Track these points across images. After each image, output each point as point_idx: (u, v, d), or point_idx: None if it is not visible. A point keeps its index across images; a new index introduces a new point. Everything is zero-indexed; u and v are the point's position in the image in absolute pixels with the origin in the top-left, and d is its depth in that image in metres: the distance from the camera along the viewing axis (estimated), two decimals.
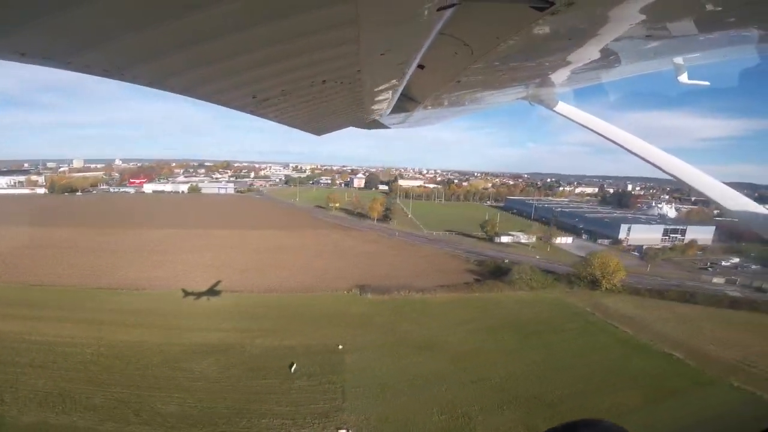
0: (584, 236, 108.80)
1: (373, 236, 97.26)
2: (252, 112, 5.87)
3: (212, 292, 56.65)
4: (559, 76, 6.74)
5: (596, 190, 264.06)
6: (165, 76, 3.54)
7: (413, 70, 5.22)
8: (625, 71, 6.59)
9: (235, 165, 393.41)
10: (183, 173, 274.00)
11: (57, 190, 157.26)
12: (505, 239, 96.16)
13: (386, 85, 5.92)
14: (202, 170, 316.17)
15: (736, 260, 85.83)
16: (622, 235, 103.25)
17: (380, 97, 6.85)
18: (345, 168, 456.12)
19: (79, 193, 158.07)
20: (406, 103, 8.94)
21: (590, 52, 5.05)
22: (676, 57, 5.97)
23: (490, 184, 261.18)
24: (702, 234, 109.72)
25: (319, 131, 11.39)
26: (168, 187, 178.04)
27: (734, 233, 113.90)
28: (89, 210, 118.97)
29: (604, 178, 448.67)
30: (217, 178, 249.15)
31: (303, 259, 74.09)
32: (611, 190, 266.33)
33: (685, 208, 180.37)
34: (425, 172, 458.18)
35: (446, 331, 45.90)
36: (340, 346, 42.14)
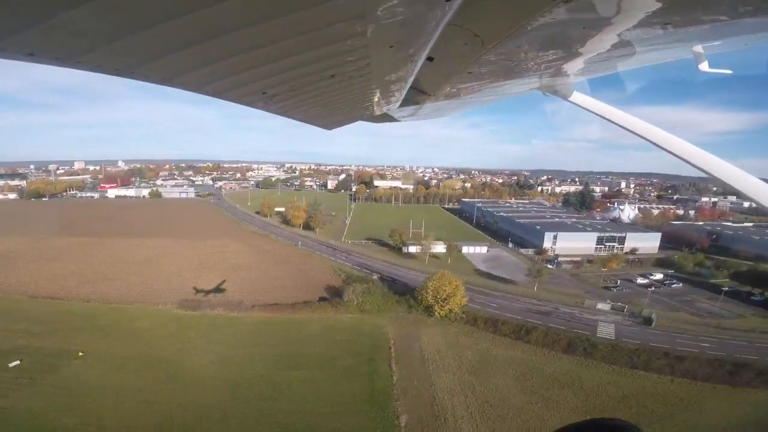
0: (510, 244, 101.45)
1: (272, 246, 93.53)
2: (263, 108, 5.95)
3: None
4: (574, 66, 6.67)
5: (581, 188, 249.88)
6: (176, 74, 3.56)
7: (422, 63, 5.21)
8: (643, 60, 6.49)
9: (226, 166, 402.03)
10: (167, 176, 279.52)
11: (26, 196, 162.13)
12: (412, 249, 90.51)
13: (395, 78, 5.96)
14: (189, 172, 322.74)
15: (659, 276, 76.76)
16: (546, 244, 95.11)
17: (390, 90, 6.96)
18: (343, 168, 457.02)
19: (45, 199, 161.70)
20: (416, 95, 8.96)
21: (606, 40, 4.97)
22: (696, 45, 5.82)
23: (466, 184, 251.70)
24: (646, 241, 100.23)
25: (328, 126, 11.11)
26: (131, 192, 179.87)
27: (683, 240, 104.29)
28: (24, 217, 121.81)
29: (610, 174, 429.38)
30: (192, 182, 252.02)
31: (153, 271, 72.01)
32: (597, 189, 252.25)
33: (659, 209, 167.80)
34: (421, 170, 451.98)
35: (197, 352, 44.32)
36: (81, 353, 43.39)
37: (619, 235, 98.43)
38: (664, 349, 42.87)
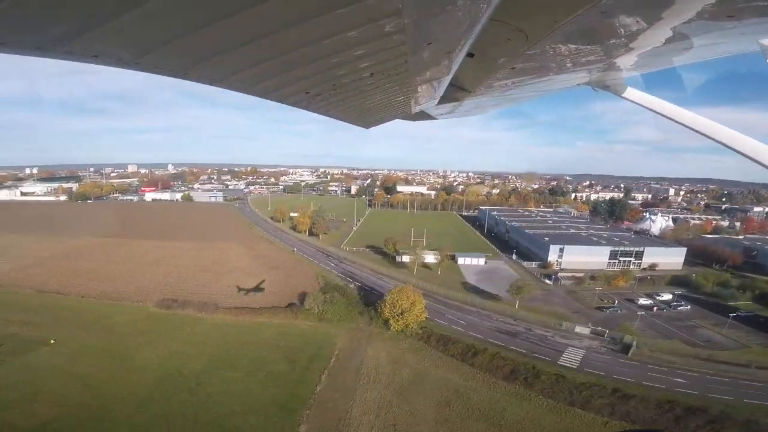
0: (514, 256, 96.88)
1: (271, 251, 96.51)
2: (305, 108, 6.24)
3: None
4: (627, 60, 6.39)
5: (621, 195, 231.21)
6: (225, 75, 3.82)
7: (462, 59, 5.20)
8: (702, 54, 6.15)
9: (263, 170, 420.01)
10: (205, 180, 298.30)
11: (73, 198, 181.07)
12: (405, 259, 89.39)
13: (434, 75, 5.94)
14: (227, 176, 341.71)
15: (668, 296, 69.62)
16: (551, 257, 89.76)
17: (428, 88, 6.92)
18: (376, 171, 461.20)
19: (90, 201, 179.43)
20: (454, 92, 8.92)
21: (661, 34, 4.76)
22: (764, 38, 5.44)
23: (494, 190, 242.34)
24: (670, 257, 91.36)
25: (367, 125, 11.61)
26: (166, 196, 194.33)
27: (714, 256, 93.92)
28: (60, 217, 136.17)
29: (662, 179, 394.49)
30: (226, 186, 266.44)
31: (158, 271, 77.15)
32: (640, 196, 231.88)
33: (701, 219, 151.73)
34: (454, 174, 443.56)
35: (151, 346, 47.78)
36: (53, 341, 48.30)
37: (637, 249, 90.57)
38: (619, 385, 38.84)
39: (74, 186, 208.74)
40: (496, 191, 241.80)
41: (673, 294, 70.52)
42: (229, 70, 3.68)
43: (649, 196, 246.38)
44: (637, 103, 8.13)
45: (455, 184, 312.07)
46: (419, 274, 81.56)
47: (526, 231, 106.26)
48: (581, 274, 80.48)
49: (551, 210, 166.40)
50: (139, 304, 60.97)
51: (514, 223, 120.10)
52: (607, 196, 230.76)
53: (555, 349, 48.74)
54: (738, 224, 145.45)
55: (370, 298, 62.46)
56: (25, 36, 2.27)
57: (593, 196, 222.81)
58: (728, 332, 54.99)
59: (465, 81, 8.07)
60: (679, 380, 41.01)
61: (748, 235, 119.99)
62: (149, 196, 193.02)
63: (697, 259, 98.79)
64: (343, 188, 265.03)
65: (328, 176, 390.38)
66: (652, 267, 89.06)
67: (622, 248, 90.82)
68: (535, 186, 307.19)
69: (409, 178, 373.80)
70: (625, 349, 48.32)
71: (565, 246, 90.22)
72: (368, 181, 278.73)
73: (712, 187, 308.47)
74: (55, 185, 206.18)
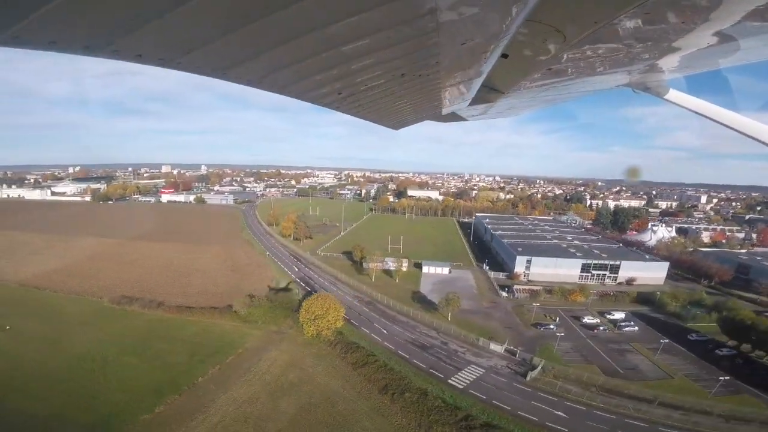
0: (485, 266, 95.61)
1: (244, 254, 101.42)
2: (337, 109, 6.34)
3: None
4: (670, 62, 6.29)
5: (643, 203, 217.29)
6: (262, 76, 4.06)
7: (496, 60, 5.23)
8: (751, 56, 6.02)
9: (286, 172, 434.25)
10: (227, 182, 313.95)
11: (96, 198, 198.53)
12: (371, 265, 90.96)
13: (466, 76, 5.96)
14: (251, 178, 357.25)
15: (620, 315, 66.28)
16: (518, 269, 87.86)
17: (459, 89, 6.93)
18: (401, 174, 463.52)
19: (110, 202, 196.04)
20: (487, 93, 8.95)
21: (707, 35, 4.69)
22: None
23: (508, 195, 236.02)
24: (651, 271, 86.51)
25: (396, 126, 11.84)
26: (181, 198, 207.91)
27: (702, 271, 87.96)
28: (66, 217, 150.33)
29: (703, 186, 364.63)
30: (245, 188, 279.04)
31: (124, 270, 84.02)
32: (664, 204, 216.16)
33: (715, 230, 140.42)
34: (477, 178, 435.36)
35: (84, 335, 53.73)
36: (8, 327, 55.06)
37: (612, 263, 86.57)
38: (490, 412, 38.84)
39: (103, 186, 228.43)
40: (509, 197, 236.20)
41: (627, 313, 67.26)
42: (266, 71, 3.83)
43: (674, 204, 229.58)
44: (681, 106, 7.88)
45: (474, 188, 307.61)
46: (378, 281, 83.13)
47: (503, 240, 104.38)
48: (538, 288, 78.65)
49: (551, 218, 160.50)
50: (97, 299, 67.40)
51: (498, 232, 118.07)
52: (630, 203, 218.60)
53: (456, 366, 48.74)
54: (755, 236, 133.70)
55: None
56: (74, 36, 2.44)
57: (611, 204, 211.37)
58: (661, 359, 52.04)
59: (498, 82, 8.05)
60: (560, 413, 39.44)
61: (755, 249, 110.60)
62: (165, 197, 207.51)
63: (687, 273, 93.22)
64: (356, 192, 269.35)
65: (348, 179, 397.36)
66: (630, 282, 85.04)
67: (595, 261, 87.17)
68: (559, 191, 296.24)
69: (430, 181, 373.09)
70: (528, 370, 47.44)
71: (533, 257, 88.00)
72: (380, 185, 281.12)
73: (754, 194, 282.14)
74: (84, 186, 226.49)
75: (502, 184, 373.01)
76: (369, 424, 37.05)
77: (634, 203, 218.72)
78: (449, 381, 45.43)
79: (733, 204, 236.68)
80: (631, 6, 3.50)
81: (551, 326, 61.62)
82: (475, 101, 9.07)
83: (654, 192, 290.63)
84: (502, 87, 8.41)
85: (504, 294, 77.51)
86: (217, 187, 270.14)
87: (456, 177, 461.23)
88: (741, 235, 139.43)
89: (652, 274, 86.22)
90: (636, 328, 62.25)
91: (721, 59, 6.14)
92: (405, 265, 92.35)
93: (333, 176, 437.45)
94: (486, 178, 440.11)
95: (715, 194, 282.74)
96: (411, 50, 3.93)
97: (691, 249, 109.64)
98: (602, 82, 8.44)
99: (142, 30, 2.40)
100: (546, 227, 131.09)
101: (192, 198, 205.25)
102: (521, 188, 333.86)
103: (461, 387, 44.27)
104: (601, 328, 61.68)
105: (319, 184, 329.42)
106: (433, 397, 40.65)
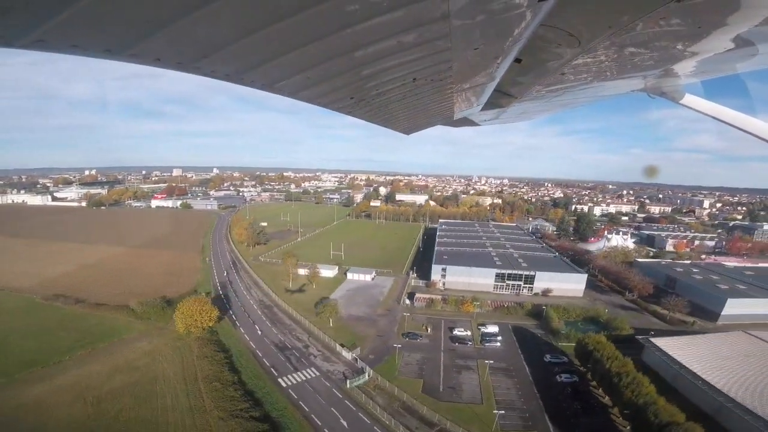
0: (413, 273, 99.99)
1: (189, 259, 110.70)
2: (349, 113, 6.66)
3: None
4: (686, 66, 6.39)
5: (635, 207, 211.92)
6: (276, 80, 4.23)
7: (509, 65, 5.39)
8: (766, 61, 6.13)
9: (292, 175, 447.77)
10: (224, 186, 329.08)
11: (90, 204, 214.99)
12: (301, 271, 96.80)
13: (479, 81, 6.11)
14: (252, 182, 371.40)
15: (494, 329, 67.59)
16: (434, 277, 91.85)
17: (472, 93, 7.14)
18: (408, 176, 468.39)
19: (103, 207, 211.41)
20: (499, 98, 9.13)
21: (724, 39, 4.79)
22: None
23: (496, 200, 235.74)
24: (567, 283, 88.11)
25: (408, 130, 11.99)
26: (169, 203, 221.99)
27: (625, 283, 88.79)
28: (55, 224, 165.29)
29: (722, 189, 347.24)
30: (239, 192, 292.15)
31: (75, 271, 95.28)
32: (657, 209, 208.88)
33: (685, 237, 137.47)
34: (484, 181, 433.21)
35: None
36: None
37: (527, 273, 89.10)
38: None
39: (103, 192, 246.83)
40: (496, 201, 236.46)
41: (499, 327, 69.28)
42: (280, 76, 4.05)
43: (669, 209, 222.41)
44: (698, 111, 7.91)
45: (471, 192, 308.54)
46: (294, 285, 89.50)
47: (435, 248, 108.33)
48: (438, 296, 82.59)
49: (515, 225, 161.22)
50: (32, 296, 77.46)
51: (443, 239, 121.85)
52: (620, 208, 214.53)
53: (296, 368, 54.32)
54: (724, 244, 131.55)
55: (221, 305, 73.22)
56: (95, 39, 2.60)
57: (598, 209, 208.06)
58: (495, 380, 53.13)
59: (511, 87, 8.13)
60: (344, 422, 43.35)
61: (712, 259, 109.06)
62: (155, 203, 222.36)
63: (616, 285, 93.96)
64: (348, 196, 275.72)
65: (351, 182, 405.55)
66: (546, 293, 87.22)
67: (509, 271, 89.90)
68: (559, 195, 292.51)
69: (433, 184, 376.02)
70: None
71: (448, 266, 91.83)
72: (368, 190, 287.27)
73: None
74: (85, 191, 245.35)
75: (506, 187, 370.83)
76: (169, 401, 45.02)
77: (626, 208, 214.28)
78: (278, 380, 51.30)
79: (739, 209, 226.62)
80: (646, 11, 3.51)
81: (421, 337, 65.41)
82: (487, 106, 9.18)
83: (660, 195, 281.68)
84: (515, 92, 8.47)
85: (408, 302, 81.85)
86: (213, 192, 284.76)
87: (464, 180, 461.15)
88: (711, 243, 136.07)
89: (570, 285, 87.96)
90: (498, 344, 63.64)
91: (739, 63, 6.15)
92: (334, 272, 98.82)
93: (337, 179, 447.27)
94: (494, 181, 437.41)
95: (729, 198, 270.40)
96: (423, 55, 4.02)
97: (635, 259, 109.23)
98: (617, 87, 8.56)
99: (161, 34, 2.56)
100: (497, 234, 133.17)
101: (179, 203, 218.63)
102: (523, 191, 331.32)
103: (284, 386, 50.01)
104: (468, 342, 64.02)
105: (320, 187, 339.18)
106: (234, 389, 47.61)
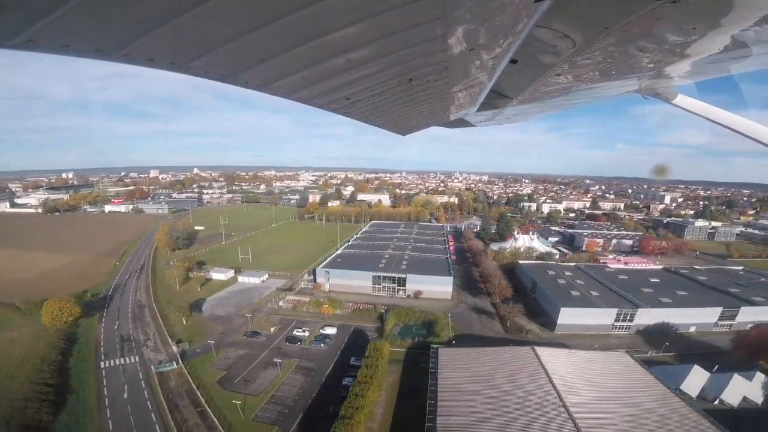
0: (307, 276, 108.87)
1: (99, 264, 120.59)
2: (344, 114, 6.90)
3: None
4: (680, 68, 6.64)
5: (587, 204, 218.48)
6: (271, 81, 4.38)
7: (505, 65, 5.56)
8: (762, 62, 6.40)
9: (269, 174, 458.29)
10: (187, 190, 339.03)
11: (45, 210, 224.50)
12: (215, 275, 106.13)
13: (475, 82, 6.32)
14: (221, 182, 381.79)
15: (333, 331, 74.60)
16: (320, 279, 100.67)
17: (468, 94, 7.42)
18: (384, 176, 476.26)
19: (57, 214, 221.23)
20: (495, 99, 9.64)
21: (718, 41, 4.98)
22: None
23: (451, 199, 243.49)
24: (436, 286, 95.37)
25: (404, 131, 12.73)
26: (122, 208, 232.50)
27: (486, 285, 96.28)
28: None
29: (701, 183, 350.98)
30: (200, 195, 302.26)
31: None
32: (608, 205, 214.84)
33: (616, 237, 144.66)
34: (463, 178, 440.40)
35: None
36: None
37: (399, 276, 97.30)
38: None
39: (66, 196, 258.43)
40: (453, 200, 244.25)
41: (343, 329, 76.35)
42: (275, 76, 4.18)
43: (622, 204, 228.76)
44: (691, 111, 8.33)
45: (440, 189, 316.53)
46: (191, 287, 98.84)
47: (337, 250, 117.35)
48: (307, 298, 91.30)
49: (440, 225, 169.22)
50: None
51: (356, 241, 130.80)
52: (573, 205, 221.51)
53: (123, 355, 64.78)
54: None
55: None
56: (86, 40, 2.67)
57: (547, 207, 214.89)
58: (293, 378, 59.11)
59: (507, 88, 8.66)
60: None
61: (592, 264, 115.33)
62: (108, 208, 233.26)
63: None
64: (297, 198, 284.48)
65: (325, 181, 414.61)
66: (417, 295, 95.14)
67: (384, 274, 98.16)
68: (528, 191, 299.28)
69: (404, 183, 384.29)
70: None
71: (330, 269, 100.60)
72: (329, 191, 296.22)
73: (746, 191, 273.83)
74: (45, 196, 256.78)
75: (481, 184, 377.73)
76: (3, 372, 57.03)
77: (578, 204, 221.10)
78: (101, 363, 62.68)
79: (700, 203, 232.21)
80: (641, 12, 3.65)
81: (260, 335, 73.66)
82: (483, 107, 9.50)
83: (630, 190, 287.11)
84: (510, 93, 8.79)
85: (280, 305, 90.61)
86: (175, 194, 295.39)
87: (445, 176, 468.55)
88: (630, 242, 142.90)
89: (439, 287, 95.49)
90: (323, 345, 70.18)
91: (732, 65, 6.47)
92: (228, 275, 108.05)
93: (315, 179, 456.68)
94: (474, 177, 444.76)
95: (700, 192, 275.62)
96: (419, 56, 4.22)
97: (517, 261, 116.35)
98: (611, 88, 8.87)
99: (153, 35, 2.64)
100: (413, 235, 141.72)
101: (130, 208, 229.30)
102: (496, 188, 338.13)
103: (102, 367, 61.51)
104: (298, 342, 70.89)
105: (288, 187, 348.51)
106: (49, 365, 60.04)
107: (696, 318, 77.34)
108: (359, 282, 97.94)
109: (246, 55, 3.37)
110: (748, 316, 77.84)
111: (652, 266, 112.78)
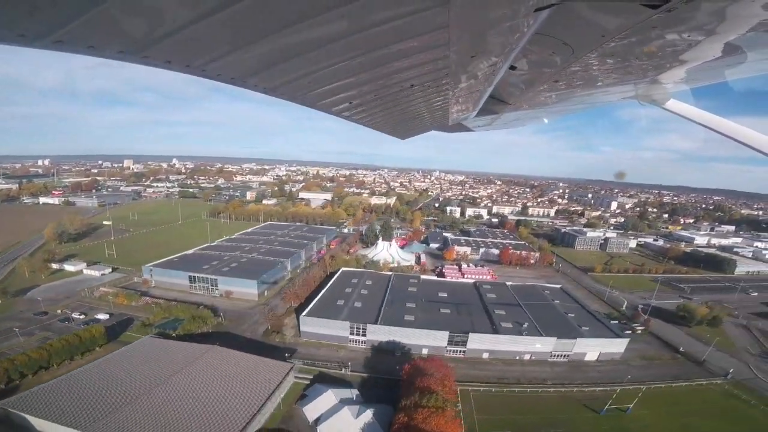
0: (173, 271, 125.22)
1: None
2: (346, 118, 7.52)
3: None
4: (676, 74, 7.10)
5: (518, 209, 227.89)
6: (278, 85, 4.74)
7: (504, 72, 6.02)
8: (756, 69, 6.79)
9: (235, 169, 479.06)
10: (135, 182, 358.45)
11: None
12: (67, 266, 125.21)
13: (474, 87, 6.77)
14: (180, 175, 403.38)
15: (106, 316, 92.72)
16: (146, 276, 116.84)
17: (467, 100, 7.94)
18: (364, 172, 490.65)
19: None
20: (494, 104, 10.51)
21: (714, 48, 5.32)
22: None
23: (389, 200, 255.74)
24: (242, 287, 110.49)
25: (403, 135, 13.84)
26: (56, 200, 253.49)
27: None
28: None
29: (686, 189, 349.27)
30: (144, 188, 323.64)
31: None
32: (540, 211, 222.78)
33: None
34: (434, 176, 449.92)
35: None
36: None
37: (212, 277, 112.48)
38: None
39: (13, 187, 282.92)
40: (391, 201, 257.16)
41: (126, 317, 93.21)
42: (282, 81, 4.56)
43: (553, 211, 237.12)
44: (686, 118, 8.89)
45: (397, 188, 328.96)
46: (30, 277, 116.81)
47: (190, 250, 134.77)
48: (108, 290, 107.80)
49: (331, 228, 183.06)
50: None
51: (224, 242, 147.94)
52: (503, 209, 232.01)
53: None
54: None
55: None
56: (111, 42, 2.96)
57: (470, 210, 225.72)
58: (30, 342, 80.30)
59: (505, 94, 9.44)
60: None
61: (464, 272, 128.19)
62: (42, 200, 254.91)
63: None
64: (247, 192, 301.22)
65: (288, 177, 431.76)
66: (228, 295, 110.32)
67: (198, 275, 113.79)
68: (488, 192, 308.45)
69: (383, 180, 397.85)
70: None
71: (154, 268, 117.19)
72: (275, 189, 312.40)
73: (717, 198, 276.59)
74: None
75: (452, 184, 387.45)
76: None
77: (508, 210, 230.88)
78: None
79: (650, 210, 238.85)
80: (639, 20, 3.86)
81: (47, 315, 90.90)
82: (481, 112, 10.51)
83: (589, 195, 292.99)
84: (508, 98, 9.80)
85: (95, 293, 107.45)
86: (123, 187, 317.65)
87: (428, 175, 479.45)
88: (496, 252, 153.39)
89: (246, 290, 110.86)
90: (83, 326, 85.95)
91: (728, 71, 6.88)
92: (79, 267, 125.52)
93: (286, 174, 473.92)
94: (451, 177, 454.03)
95: (659, 199, 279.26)
96: (422, 62, 4.58)
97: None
98: (608, 95, 9.63)
99: (173, 39, 2.93)
100: (286, 239, 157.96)
101: (61, 201, 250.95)
102: (458, 189, 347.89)
103: None
104: (66, 322, 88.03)
105: (244, 183, 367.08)
106: None
107: (430, 341, 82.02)
108: (178, 281, 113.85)
109: (255, 60, 3.77)
110: (476, 343, 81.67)
111: (484, 277, 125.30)
